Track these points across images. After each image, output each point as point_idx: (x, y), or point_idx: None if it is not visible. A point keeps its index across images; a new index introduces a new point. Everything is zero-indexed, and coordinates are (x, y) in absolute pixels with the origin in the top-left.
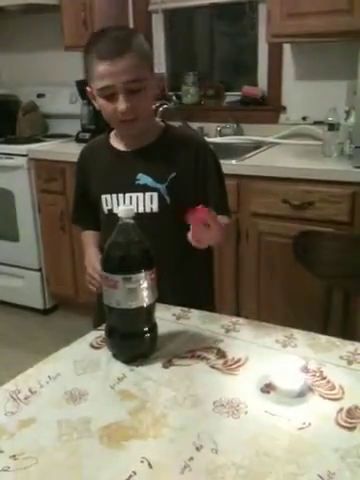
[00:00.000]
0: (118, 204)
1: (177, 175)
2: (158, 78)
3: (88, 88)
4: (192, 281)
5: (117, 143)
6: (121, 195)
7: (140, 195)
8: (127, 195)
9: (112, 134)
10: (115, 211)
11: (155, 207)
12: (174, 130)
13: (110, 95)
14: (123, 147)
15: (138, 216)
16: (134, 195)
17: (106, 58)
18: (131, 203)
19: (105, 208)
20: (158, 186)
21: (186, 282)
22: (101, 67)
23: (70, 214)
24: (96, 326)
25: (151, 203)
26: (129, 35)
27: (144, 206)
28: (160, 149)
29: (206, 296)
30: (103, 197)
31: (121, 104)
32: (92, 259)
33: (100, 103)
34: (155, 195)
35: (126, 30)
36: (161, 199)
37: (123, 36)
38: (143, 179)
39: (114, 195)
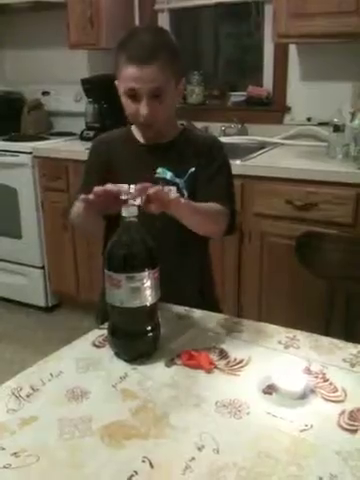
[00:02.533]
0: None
1: (195, 170)
2: (183, 80)
3: (116, 82)
4: (199, 266)
5: (139, 137)
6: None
7: (159, 188)
8: None
9: (134, 128)
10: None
11: None
12: (192, 131)
13: (134, 96)
14: (144, 141)
15: None
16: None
17: (134, 62)
18: None
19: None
20: (177, 180)
21: (194, 268)
22: (129, 69)
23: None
24: (102, 322)
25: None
26: (160, 41)
27: None
28: (180, 145)
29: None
30: None
31: (143, 109)
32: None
33: (123, 100)
34: (173, 189)
35: (158, 34)
36: (179, 192)
37: (154, 42)
38: (162, 172)
39: (132, 186)
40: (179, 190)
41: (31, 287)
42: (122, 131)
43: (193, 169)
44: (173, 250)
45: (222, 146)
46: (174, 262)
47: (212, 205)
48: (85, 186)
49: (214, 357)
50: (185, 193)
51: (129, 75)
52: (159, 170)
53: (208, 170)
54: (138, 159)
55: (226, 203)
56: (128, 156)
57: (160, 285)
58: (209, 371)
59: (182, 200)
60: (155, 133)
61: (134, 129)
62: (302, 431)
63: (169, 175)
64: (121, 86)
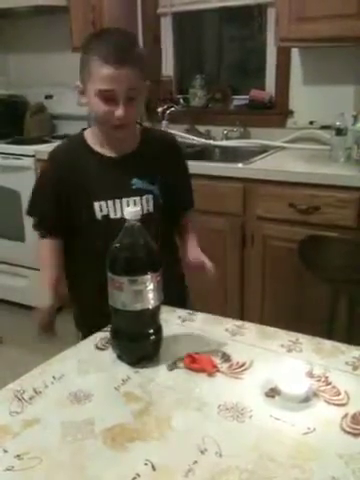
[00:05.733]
0: (115, 209)
1: (163, 176)
2: (148, 84)
3: (78, 83)
4: (176, 277)
5: (99, 147)
6: (118, 200)
7: (137, 199)
8: (124, 200)
9: (89, 138)
10: (112, 216)
11: (151, 208)
12: (150, 131)
13: (108, 98)
14: (109, 152)
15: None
16: (131, 199)
17: (111, 63)
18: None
19: (99, 214)
20: (151, 188)
21: (173, 278)
22: (105, 70)
23: (28, 209)
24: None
25: (147, 205)
26: (131, 42)
27: (142, 209)
28: (146, 152)
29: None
30: (97, 204)
31: (120, 110)
32: (43, 294)
33: (94, 102)
34: (150, 197)
35: (129, 36)
36: (156, 200)
37: (126, 43)
38: (138, 183)
39: (110, 201)
40: (155, 198)
41: (34, 290)
42: (76, 143)
43: (161, 175)
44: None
45: (178, 143)
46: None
47: (195, 229)
48: (41, 209)
49: (217, 360)
50: (160, 198)
51: (105, 76)
52: (134, 181)
53: (175, 175)
54: (110, 173)
55: (193, 203)
56: (95, 170)
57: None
58: (212, 374)
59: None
60: (125, 134)
61: (90, 140)
62: (305, 434)
63: (144, 184)
64: (92, 87)
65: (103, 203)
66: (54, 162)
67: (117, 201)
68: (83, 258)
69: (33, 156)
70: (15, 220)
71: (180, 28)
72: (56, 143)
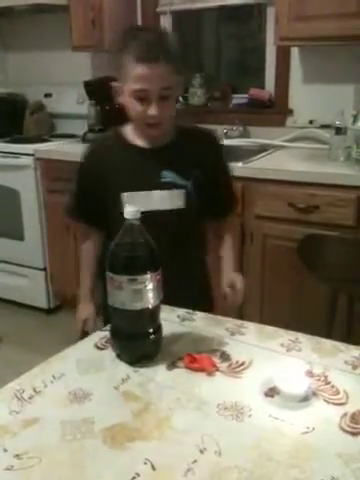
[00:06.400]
0: (141, 202)
1: (201, 172)
2: (183, 80)
3: (115, 83)
4: (204, 276)
5: (134, 139)
6: (143, 193)
7: (166, 193)
8: (153, 193)
9: (128, 131)
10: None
11: (182, 204)
12: (189, 126)
13: (143, 97)
14: (143, 144)
15: (161, 214)
16: (158, 193)
17: (143, 61)
18: (156, 201)
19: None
20: (184, 183)
21: (201, 277)
22: (138, 70)
23: (67, 209)
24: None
25: (178, 200)
26: (164, 40)
27: (171, 203)
28: (181, 146)
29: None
30: (123, 195)
31: (153, 109)
32: (83, 308)
33: (128, 101)
34: (182, 192)
35: (161, 34)
36: (189, 196)
37: (159, 41)
38: (169, 176)
39: (135, 193)
40: (188, 194)
41: (33, 289)
42: (113, 137)
43: (198, 171)
44: (171, 247)
45: (219, 141)
46: (177, 261)
47: (231, 242)
48: (79, 202)
49: (216, 359)
50: (193, 196)
51: (138, 76)
52: (164, 173)
53: (214, 173)
54: (140, 164)
55: (235, 207)
56: (128, 162)
57: (163, 287)
58: (211, 374)
59: (238, 284)
60: (160, 133)
61: (129, 133)
62: (304, 434)
63: (176, 178)
64: (127, 87)
65: (129, 194)
66: (88, 157)
67: (142, 193)
68: None
69: (32, 155)
70: (15, 219)
71: (180, 27)
72: (55, 142)
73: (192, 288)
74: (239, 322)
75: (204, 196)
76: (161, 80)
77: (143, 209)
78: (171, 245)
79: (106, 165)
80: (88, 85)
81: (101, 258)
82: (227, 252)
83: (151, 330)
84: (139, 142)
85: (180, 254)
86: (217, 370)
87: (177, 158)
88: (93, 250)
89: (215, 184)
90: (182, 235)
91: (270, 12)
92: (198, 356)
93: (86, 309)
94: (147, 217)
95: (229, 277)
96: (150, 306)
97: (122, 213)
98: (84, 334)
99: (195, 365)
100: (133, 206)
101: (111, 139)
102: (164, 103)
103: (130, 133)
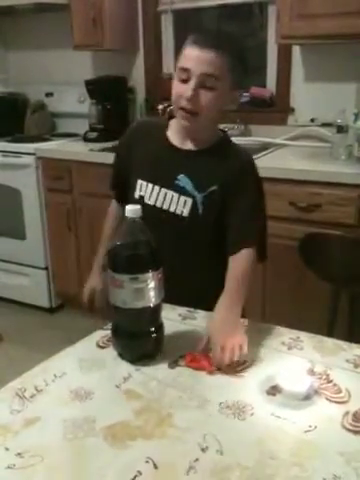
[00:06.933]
0: (151, 195)
1: (217, 189)
2: (237, 95)
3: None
4: (201, 288)
5: (173, 136)
6: (157, 188)
7: (175, 195)
8: (163, 190)
9: (171, 125)
10: (146, 201)
11: (186, 212)
12: (229, 143)
13: (185, 79)
14: (177, 142)
15: (164, 214)
16: (169, 193)
17: (197, 44)
18: (164, 200)
19: (137, 193)
20: (196, 194)
21: (194, 288)
22: (189, 50)
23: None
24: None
25: (183, 207)
26: (229, 37)
27: (176, 207)
28: (210, 158)
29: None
30: (139, 182)
31: (188, 90)
32: (93, 277)
33: (174, 84)
34: (189, 201)
35: (229, 33)
36: (194, 207)
37: (223, 34)
38: (183, 181)
39: (150, 185)
40: (195, 204)
41: (35, 288)
42: (160, 125)
43: (215, 187)
44: (171, 248)
45: (255, 169)
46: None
47: (239, 273)
48: (113, 172)
49: None
50: (199, 208)
51: (187, 55)
52: (180, 177)
53: (238, 199)
54: (164, 160)
55: (253, 243)
56: (155, 153)
57: (164, 286)
58: (211, 373)
59: (241, 341)
60: (192, 125)
61: (171, 127)
62: (306, 432)
63: (189, 185)
64: (176, 69)
65: (144, 183)
66: (133, 131)
67: (156, 187)
68: None
69: (33, 154)
70: (16, 218)
71: (180, 26)
72: (56, 141)
73: (190, 294)
74: (240, 320)
75: (221, 218)
76: (207, 65)
77: (151, 203)
78: (171, 246)
79: (139, 148)
80: (89, 84)
81: None
82: (229, 283)
83: (153, 329)
84: (176, 140)
85: (178, 255)
86: (218, 369)
87: (200, 167)
88: (114, 222)
89: (233, 210)
90: (183, 240)
91: (271, 10)
92: (198, 355)
93: (95, 280)
94: (153, 211)
95: (211, 327)
96: (151, 305)
97: (134, 199)
98: (91, 304)
99: (195, 364)
100: (134, 205)
101: (158, 126)
102: (205, 92)
103: (173, 128)
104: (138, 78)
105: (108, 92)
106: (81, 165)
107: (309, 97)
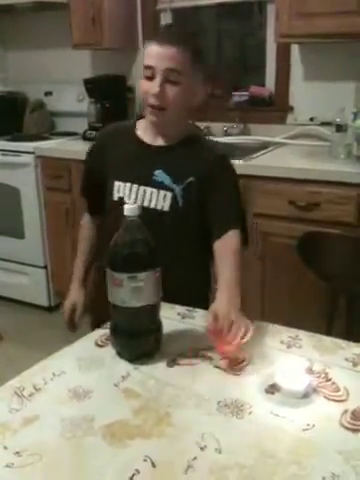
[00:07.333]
0: (131, 195)
1: (194, 180)
2: (203, 90)
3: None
4: (186, 281)
5: (143, 134)
6: (135, 186)
7: (154, 191)
8: (141, 188)
9: (140, 124)
10: (126, 201)
11: (166, 206)
12: (200, 138)
13: (150, 76)
14: (148, 139)
15: (145, 211)
16: (148, 190)
17: (157, 41)
18: (144, 197)
19: (116, 195)
20: (174, 186)
21: (180, 282)
22: (150, 48)
23: (79, 186)
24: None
25: (163, 201)
26: (188, 35)
27: (156, 203)
28: (183, 151)
29: (197, 296)
30: (116, 184)
31: (154, 87)
32: (73, 291)
33: (141, 82)
34: (169, 195)
35: (188, 32)
36: (174, 200)
37: (182, 32)
38: (161, 176)
39: (128, 184)
40: (175, 197)
41: (34, 286)
42: (128, 126)
43: (192, 179)
44: (180, 247)
45: (227, 162)
46: (182, 260)
47: (231, 249)
48: (84, 179)
49: (216, 356)
50: (179, 201)
51: (149, 52)
52: (157, 172)
53: (216, 188)
54: (139, 158)
55: (238, 225)
56: (128, 153)
57: (162, 285)
58: (222, 356)
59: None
60: (160, 120)
61: (139, 127)
62: (304, 431)
63: (167, 180)
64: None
65: (122, 184)
66: (102, 136)
67: (134, 186)
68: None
69: (33, 153)
70: (15, 217)
71: (179, 24)
72: (56, 140)
73: (178, 291)
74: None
75: (201, 209)
76: (169, 60)
77: (127, 201)
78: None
79: (112, 151)
80: (88, 83)
81: (96, 249)
82: (223, 273)
83: (151, 327)
84: (146, 137)
85: (163, 253)
86: (226, 357)
87: (175, 161)
88: (89, 233)
89: (213, 198)
90: (166, 237)
91: (270, 9)
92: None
93: (75, 294)
94: None
95: (214, 308)
96: (150, 303)
97: (113, 201)
98: (71, 322)
99: (216, 339)
100: (132, 203)
101: (126, 127)
102: (171, 87)
103: (142, 126)
104: (137, 77)
105: (107, 91)
106: (80, 164)
107: (308, 96)
